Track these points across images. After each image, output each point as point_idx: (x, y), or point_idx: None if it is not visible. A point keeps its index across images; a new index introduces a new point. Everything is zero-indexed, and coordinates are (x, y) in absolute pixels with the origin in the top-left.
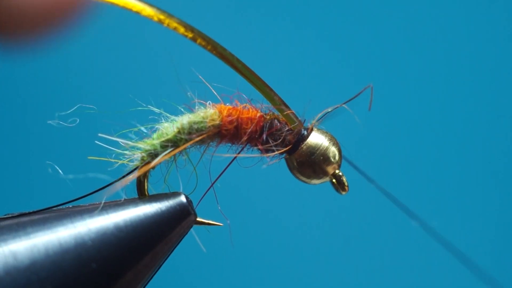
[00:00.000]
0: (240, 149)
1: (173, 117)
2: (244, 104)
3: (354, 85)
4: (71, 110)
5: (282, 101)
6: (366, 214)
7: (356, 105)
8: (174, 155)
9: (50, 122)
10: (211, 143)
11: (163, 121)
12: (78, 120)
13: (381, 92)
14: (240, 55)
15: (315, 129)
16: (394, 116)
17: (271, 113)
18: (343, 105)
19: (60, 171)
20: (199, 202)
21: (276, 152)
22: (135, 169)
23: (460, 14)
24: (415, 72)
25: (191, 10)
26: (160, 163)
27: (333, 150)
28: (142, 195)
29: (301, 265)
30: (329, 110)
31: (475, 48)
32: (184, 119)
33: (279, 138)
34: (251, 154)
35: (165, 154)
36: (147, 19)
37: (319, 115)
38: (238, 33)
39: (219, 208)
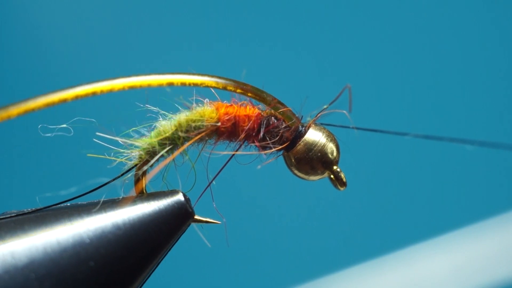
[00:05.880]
0: (237, 146)
1: (170, 115)
2: (242, 102)
3: (352, 81)
4: (69, 122)
5: (276, 99)
6: (365, 210)
7: (356, 104)
8: (172, 152)
9: (44, 134)
10: (208, 141)
11: (161, 119)
12: (72, 131)
13: (380, 89)
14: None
15: (312, 125)
16: (392, 112)
17: (268, 110)
18: (331, 103)
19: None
20: (197, 200)
21: (274, 149)
22: (133, 167)
23: (461, 14)
24: (414, 69)
25: (189, 10)
26: (157, 160)
27: (330, 147)
28: (140, 193)
29: (299, 264)
30: (326, 107)
31: (476, 48)
32: (182, 117)
33: (277, 135)
34: (248, 151)
35: (166, 158)
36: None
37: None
38: (235, 31)
39: (215, 206)
